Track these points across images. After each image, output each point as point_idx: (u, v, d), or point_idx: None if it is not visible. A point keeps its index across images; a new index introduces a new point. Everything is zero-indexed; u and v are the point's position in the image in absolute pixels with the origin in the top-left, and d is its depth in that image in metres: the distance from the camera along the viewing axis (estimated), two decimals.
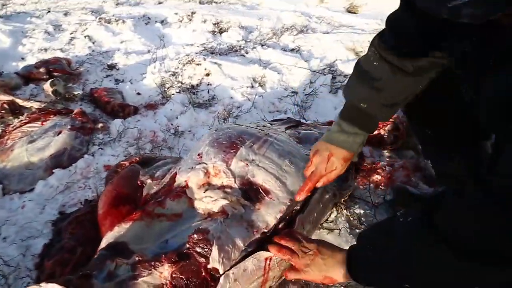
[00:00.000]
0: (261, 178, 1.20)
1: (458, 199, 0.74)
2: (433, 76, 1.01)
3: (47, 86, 2.15)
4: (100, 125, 1.95)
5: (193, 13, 3.60)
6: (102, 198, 1.31)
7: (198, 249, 1.00)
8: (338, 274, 0.95)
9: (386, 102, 1.02)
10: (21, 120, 1.97)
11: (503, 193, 0.62)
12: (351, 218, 1.39)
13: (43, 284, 0.87)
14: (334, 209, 1.43)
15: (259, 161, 1.23)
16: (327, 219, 1.41)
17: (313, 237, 1.26)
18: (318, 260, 0.98)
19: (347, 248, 0.98)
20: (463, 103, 0.97)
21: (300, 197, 1.13)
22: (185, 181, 1.22)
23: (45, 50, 3.08)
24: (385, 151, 1.77)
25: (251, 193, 1.18)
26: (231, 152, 1.25)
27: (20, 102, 2.11)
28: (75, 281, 0.89)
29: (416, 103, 1.17)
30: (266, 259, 1.04)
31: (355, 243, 0.97)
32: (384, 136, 1.74)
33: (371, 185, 1.55)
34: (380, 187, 1.56)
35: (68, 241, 1.25)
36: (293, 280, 1.13)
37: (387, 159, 1.72)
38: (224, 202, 1.13)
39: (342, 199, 1.44)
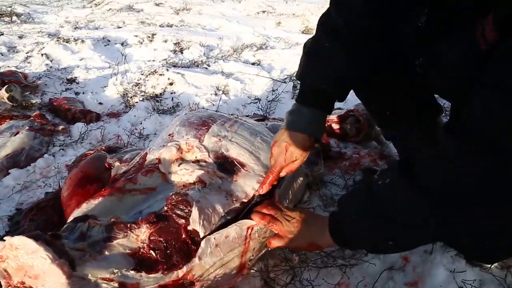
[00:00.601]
0: (235, 152, 1.20)
1: (434, 151, 0.74)
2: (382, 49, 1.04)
3: (2, 92, 2.05)
4: (61, 127, 1.88)
5: (153, 34, 3.64)
6: (67, 182, 1.24)
7: (177, 211, 0.96)
8: (322, 240, 0.93)
9: (340, 79, 1.02)
10: None
11: (475, 139, 0.64)
12: (324, 197, 1.41)
13: (7, 238, 0.79)
14: (307, 190, 1.44)
15: (232, 137, 1.23)
16: (300, 201, 1.41)
17: None
18: (302, 227, 0.97)
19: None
20: (415, 78, 1.05)
21: (262, 191, 1.07)
22: (157, 158, 1.19)
23: None
24: (350, 144, 1.83)
25: (227, 165, 1.16)
26: (203, 129, 1.24)
27: None
28: (45, 237, 0.82)
29: (371, 87, 1.26)
30: (248, 228, 1.01)
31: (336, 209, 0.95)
32: (347, 129, 1.81)
33: (340, 170, 1.59)
34: (349, 172, 1.60)
35: (27, 227, 1.16)
36: (276, 249, 1.10)
37: (353, 149, 1.78)
38: (201, 172, 1.10)
39: (314, 183, 1.46)
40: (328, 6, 1.04)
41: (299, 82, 1.08)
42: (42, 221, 1.19)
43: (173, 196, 1.00)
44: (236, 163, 1.18)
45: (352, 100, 2.16)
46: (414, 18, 0.93)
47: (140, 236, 0.93)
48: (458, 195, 0.67)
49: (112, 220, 0.93)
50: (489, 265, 1.03)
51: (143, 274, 0.89)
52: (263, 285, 1.08)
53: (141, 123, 2.09)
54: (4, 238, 0.80)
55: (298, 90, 1.09)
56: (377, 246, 0.86)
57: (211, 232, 0.98)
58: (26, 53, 3.29)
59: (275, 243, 1.01)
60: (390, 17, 0.96)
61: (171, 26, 4.09)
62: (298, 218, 0.99)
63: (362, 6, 0.95)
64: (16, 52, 3.38)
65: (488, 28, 0.68)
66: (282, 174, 1.08)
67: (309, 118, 1.02)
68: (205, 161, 1.17)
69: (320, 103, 1.03)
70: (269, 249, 1.07)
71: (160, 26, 4.09)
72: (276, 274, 1.09)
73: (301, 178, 1.35)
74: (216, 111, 2.17)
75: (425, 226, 0.74)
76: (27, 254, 0.81)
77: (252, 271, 1.09)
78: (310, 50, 1.03)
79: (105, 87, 2.58)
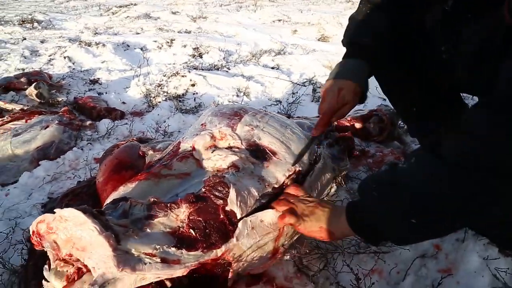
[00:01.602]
0: (267, 140, 1.22)
1: (462, 128, 0.73)
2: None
3: (30, 90, 2.11)
4: (88, 122, 1.92)
5: (172, 40, 3.71)
6: (101, 168, 1.27)
7: (215, 192, 0.99)
8: (337, 226, 0.90)
9: (377, 34, 1.14)
10: (3, 119, 1.90)
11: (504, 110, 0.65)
12: (351, 191, 1.42)
13: (57, 210, 0.82)
14: (334, 184, 1.45)
15: (263, 127, 1.26)
16: (328, 194, 1.43)
17: None
18: (318, 211, 0.96)
19: None
20: (441, 72, 1.11)
21: (316, 132, 1.13)
22: (191, 145, 1.22)
23: (23, 70, 3.03)
24: (372, 143, 1.85)
25: (258, 153, 1.19)
26: (235, 119, 1.27)
27: (1, 104, 2.04)
28: (92, 211, 0.85)
29: (398, 86, 1.31)
30: None
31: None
32: (370, 128, 1.83)
33: (365, 167, 1.61)
34: (373, 168, 1.61)
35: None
36: (307, 238, 1.11)
37: (376, 148, 1.79)
38: (234, 157, 1.13)
39: (341, 176, 1.48)
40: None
41: (344, 46, 1.20)
42: (77, 206, 1.21)
43: (211, 178, 1.02)
44: (268, 151, 1.20)
45: (374, 101, 2.19)
46: (441, 2, 0.98)
47: (180, 215, 0.95)
48: (491, 167, 0.65)
49: (152, 199, 0.95)
50: None
51: (184, 251, 0.91)
52: (296, 271, 1.09)
53: (164, 121, 2.13)
54: (54, 210, 0.82)
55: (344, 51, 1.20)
56: (399, 230, 0.79)
57: (247, 215, 1.00)
58: (49, 56, 3.38)
59: (288, 219, 0.97)
60: None
61: (189, 32, 4.17)
62: (315, 203, 0.98)
63: None
64: (39, 55, 3.47)
65: None
66: (333, 119, 1.14)
67: (352, 67, 1.12)
68: (238, 148, 1.20)
69: (362, 55, 1.13)
70: (299, 235, 1.08)
71: (178, 32, 4.18)
72: (309, 260, 1.10)
73: (329, 173, 1.36)
74: None
75: (454, 205, 0.71)
76: (75, 226, 0.83)
77: (285, 257, 1.10)
78: (354, 17, 1.19)
79: (127, 87, 2.63)
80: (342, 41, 1.19)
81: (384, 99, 2.19)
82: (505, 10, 0.77)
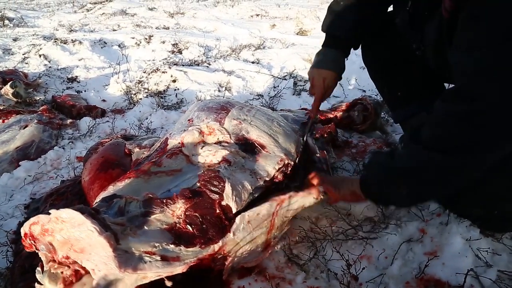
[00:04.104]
0: (255, 134, 1.23)
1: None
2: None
3: (6, 89, 2.04)
4: (69, 121, 1.88)
5: (150, 36, 3.66)
6: (87, 167, 1.26)
7: (211, 186, 0.99)
8: (357, 192, 1.06)
9: (352, 27, 1.31)
10: None
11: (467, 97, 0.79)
12: None
13: (52, 211, 0.80)
14: None
15: (251, 121, 1.27)
16: None
17: None
18: (347, 181, 1.12)
19: None
20: (417, 59, 1.24)
21: (313, 114, 1.36)
22: (180, 142, 1.22)
23: None
24: (355, 133, 1.88)
25: (247, 147, 1.20)
26: (222, 113, 1.27)
27: None
28: (89, 210, 0.83)
29: (385, 70, 1.40)
30: (277, 204, 1.05)
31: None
32: (354, 116, 1.86)
33: (348, 157, 1.64)
34: (357, 158, 1.65)
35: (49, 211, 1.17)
36: (296, 228, 1.14)
37: (359, 139, 1.83)
38: (225, 152, 1.13)
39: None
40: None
41: (324, 32, 1.38)
42: (62, 206, 1.18)
43: (205, 172, 1.02)
44: (257, 145, 1.21)
45: (354, 93, 2.23)
46: (404, 3, 1.12)
47: (176, 211, 0.95)
48: (447, 148, 0.83)
49: (148, 196, 0.95)
50: (500, 235, 1.08)
51: (182, 248, 0.91)
52: (287, 261, 1.10)
53: (147, 118, 2.11)
54: (49, 211, 0.80)
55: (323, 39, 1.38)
56: (395, 197, 0.99)
57: (242, 209, 1.01)
58: (23, 54, 3.28)
59: (326, 186, 1.11)
60: None
61: (167, 28, 4.12)
62: (341, 177, 1.28)
63: None
64: (12, 54, 3.36)
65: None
66: (323, 101, 1.37)
67: (331, 57, 1.32)
68: (227, 142, 1.20)
69: (339, 45, 1.32)
70: (289, 227, 1.12)
71: (156, 28, 4.12)
72: (299, 250, 1.12)
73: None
74: None
75: (434, 182, 0.90)
76: (73, 227, 0.81)
77: (276, 248, 1.11)
78: (331, 6, 1.34)
79: (107, 85, 2.59)
80: (322, 27, 1.37)
81: (364, 91, 2.24)
82: (443, 5, 0.89)
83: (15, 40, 3.77)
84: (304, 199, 1.07)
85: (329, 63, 1.33)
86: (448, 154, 0.83)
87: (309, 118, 1.45)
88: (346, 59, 1.37)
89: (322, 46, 1.36)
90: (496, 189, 1.02)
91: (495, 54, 0.73)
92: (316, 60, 1.36)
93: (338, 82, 1.39)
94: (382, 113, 1.89)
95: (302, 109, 1.91)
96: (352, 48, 1.38)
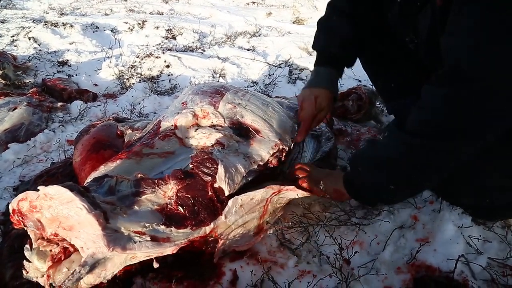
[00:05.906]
0: (249, 118, 1.21)
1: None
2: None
3: None
4: (59, 104, 1.85)
5: (144, 21, 3.60)
6: (78, 148, 1.23)
7: (204, 168, 0.98)
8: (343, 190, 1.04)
9: (346, 43, 1.22)
10: None
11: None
12: None
13: (41, 187, 0.79)
14: None
15: (246, 105, 1.25)
16: None
17: None
18: (331, 177, 1.09)
19: None
20: (411, 53, 1.19)
21: (300, 138, 1.21)
22: (173, 124, 1.20)
23: None
24: (349, 122, 1.88)
25: (242, 131, 1.18)
26: (217, 97, 1.25)
27: None
28: (79, 188, 0.82)
29: (378, 63, 1.37)
30: (273, 193, 1.04)
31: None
32: (349, 106, 1.85)
33: (343, 145, 1.64)
34: (351, 147, 1.65)
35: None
36: (289, 213, 1.13)
37: (353, 128, 1.82)
38: (219, 135, 1.12)
39: None
40: None
41: (315, 51, 1.28)
42: None
43: (198, 154, 1.01)
44: (251, 129, 1.20)
45: (349, 82, 2.22)
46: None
47: (167, 192, 0.94)
48: (434, 134, 0.81)
49: (140, 176, 0.93)
50: (491, 223, 1.09)
51: (173, 229, 0.90)
52: (279, 245, 1.10)
53: (139, 103, 2.08)
54: (38, 188, 0.79)
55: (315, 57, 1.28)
56: (379, 192, 0.96)
57: (235, 192, 1.00)
58: (11, 37, 3.21)
59: (308, 183, 1.08)
60: None
61: (161, 14, 4.06)
62: (327, 171, 1.14)
63: None
64: (0, 36, 3.29)
65: None
66: (314, 125, 1.23)
67: (324, 75, 1.23)
68: (221, 126, 1.19)
69: (332, 63, 1.24)
70: (282, 213, 1.12)
71: (150, 13, 4.06)
72: (292, 235, 1.12)
73: None
74: None
75: (422, 170, 0.86)
76: (61, 204, 0.80)
77: (268, 233, 1.11)
78: (322, 24, 1.27)
79: (99, 69, 2.54)
80: (313, 45, 1.28)
81: (360, 81, 2.23)
82: None
83: (2, 22, 3.68)
84: (294, 193, 1.07)
85: (321, 81, 1.22)
86: (436, 139, 0.81)
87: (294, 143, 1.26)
88: (340, 78, 1.29)
89: (314, 66, 1.27)
90: (485, 179, 1.02)
91: (490, 35, 0.72)
92: (309, 81, 1.26)
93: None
94: (377, 103, 1.89)
95: (297, 96, 1.90)
96: (346, 66, 1.28)
